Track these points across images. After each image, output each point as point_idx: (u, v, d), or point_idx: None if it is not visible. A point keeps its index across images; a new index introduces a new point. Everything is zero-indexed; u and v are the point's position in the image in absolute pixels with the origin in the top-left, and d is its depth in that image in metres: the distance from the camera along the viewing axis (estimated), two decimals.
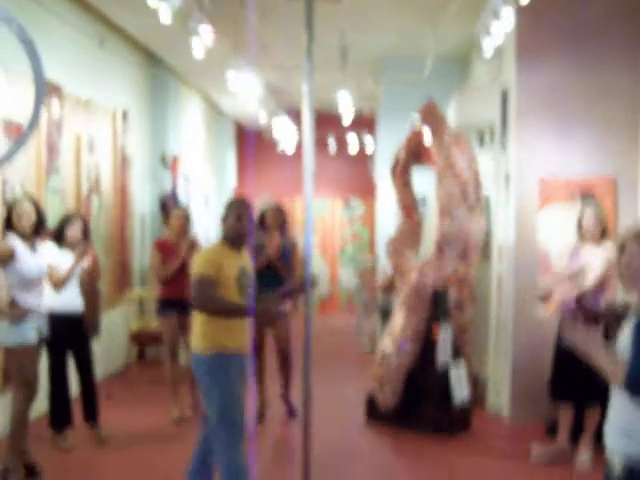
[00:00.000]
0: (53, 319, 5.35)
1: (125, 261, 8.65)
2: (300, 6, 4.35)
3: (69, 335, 5.67)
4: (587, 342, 2.90)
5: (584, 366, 5.21)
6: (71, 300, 5.69)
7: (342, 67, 8.94)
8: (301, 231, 6.83)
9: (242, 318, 4.31)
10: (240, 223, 4.38)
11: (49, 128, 6.55)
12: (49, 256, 5.45)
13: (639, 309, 2.83)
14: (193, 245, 6.53)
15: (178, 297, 6.43)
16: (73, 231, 5.68)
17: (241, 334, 4.34)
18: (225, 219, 4.44)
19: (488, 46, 6.16)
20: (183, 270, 6.29)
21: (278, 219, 6.64)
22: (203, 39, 6.45)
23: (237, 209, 4.43)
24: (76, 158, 7.21)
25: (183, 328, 6.39)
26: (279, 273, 6.40)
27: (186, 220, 6.64)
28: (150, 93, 9.71)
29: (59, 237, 5.65)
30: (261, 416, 6.57)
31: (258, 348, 6.49)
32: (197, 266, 4.29)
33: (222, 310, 4.26)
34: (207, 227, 12.26)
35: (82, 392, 5.92)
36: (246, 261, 4.50)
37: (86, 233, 5.81)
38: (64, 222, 5.73)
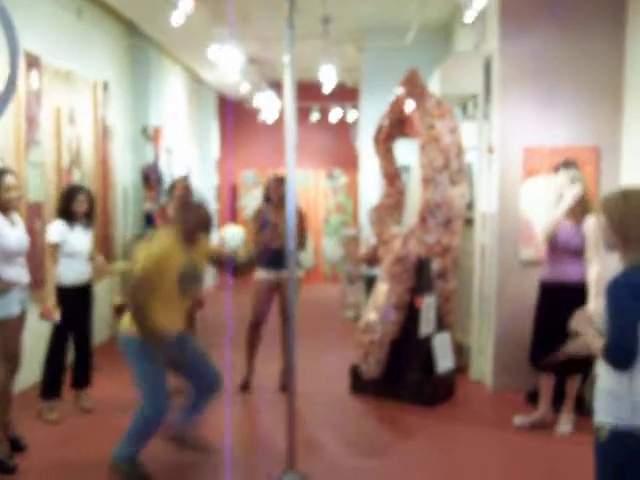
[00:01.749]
0: (62, 290, 5.58)
1: (108, 234, 8.61)
2: None
3: (76, 304, 5.74)
4: (577, 320, 2.96)
5: (564, 335, 5.31)
6: (80, 272, 5.76)
7: (324, 37, 8.88)
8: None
9: (146, 336, 4.42)
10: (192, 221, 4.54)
11: (28, 100, 6.46)
12: (59, 233, 5.56)
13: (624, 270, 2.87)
14: None
15: None
16: (81, 205, 5.71)
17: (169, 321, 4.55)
18: (184, 213, 4.57)
19: (471, 12, 6.12)
20: None
21: (280, 190, 6.61)
22: (183, 8, 6.37)
23: (196, 207, 4.62)
24: (56, 130, 7.14)
25: None
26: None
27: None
28: (131, 64, 9.61)
29: (66, 212, 5.66)
30: (247, 384, 6.59)
31: (260, 318, 6.54)
32: (143, 259, 4.40)
33: (138, 321, 4.39)
34: None
35: (77, 360, 5.98)
36: (200, 255, 4.60)
37: (92, 205, 5.83)
38: (69, 196, 5.72)
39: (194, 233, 4.59)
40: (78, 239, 5.72)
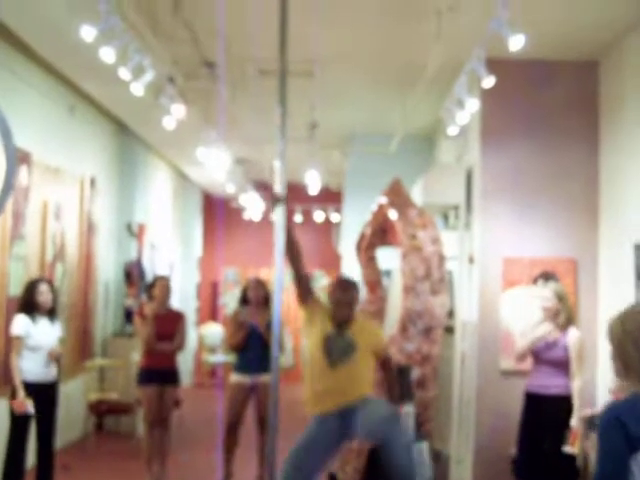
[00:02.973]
0: (25, 386, 5.47)
1: (87, 329, 8.56)
2: (271, 81, 4.44)
3: (39, 402, 5.59)
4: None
5: (550, 449, 5.30)
6: (44, 367, 5.68)
7: (310, 141, 9.09)
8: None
9: None
10: None
11: (16, 195, 6.52)
12: (23, 327, 5.50)
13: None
14: (181, 317, 6.73)
15: (161, 367, 6.45)
16: (44, 296, 5.68)
17: None
18: None
19: (452, 129, 6.32)
20: (167, 340, 6.38)
21: (260, 293, 6.68)
22: (175, 115, 6.53)
23: None
24: (42, 224, 7.19)
25: (164, 399, 6.42)
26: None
27: (168, 290, 6.69)
28: (118, 161, 9.76)
29: (29, 305, 5.64)
30: None
31: (235, 422, 6.48)
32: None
33: None
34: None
35: (39, 461, 5.81)
36: None
37: (55, 296, 5.82)
38: (30, 288, 5.72)
39: None
40: (42, 333, 5.67)
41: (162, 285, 6.71)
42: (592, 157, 6.53)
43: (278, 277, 4.57)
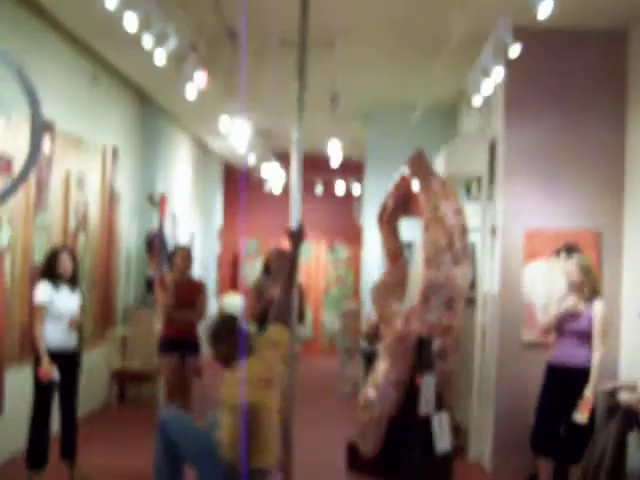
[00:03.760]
0: (48, 354, 5.50)
1: (109, 299, 8.62)
2: (292, 51, 4.42)
3: (61, 370, 5.62)
4: None
5: (568, 423, 5.30)
6: (66, 335, 5.71)
7: (332, 112, 9.03)
8: None
9: None
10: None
11: (39, 164, 6.55)
12: (46, 295, 5.55)
13: None
14: (202, 287, 6.75)
15: (181, 337, 6.48)
16: (65, 264, 5.72)
17: None
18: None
19: (477, 99, 6.26)
20: (188, 309, 6.38)
21: (281, 264, 6.67)
22: (197, 83, 6.51)
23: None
24: (65, 194, 7.22)
25: (184, 368, 6.45)
26: None
27: (189, 259, 6.71)
28: (140, 131, 9.77)
29: (51, 273, 5.68)
30: None
31: None
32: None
33: None
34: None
35: (63, 429, 5.86)
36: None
37: (75, 264, 5.85)
38: (52, 257, 5.75)
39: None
40: (64, 301, 5.71)
41: (183, 255, 6.73)
42: (618, 129, 6.45)
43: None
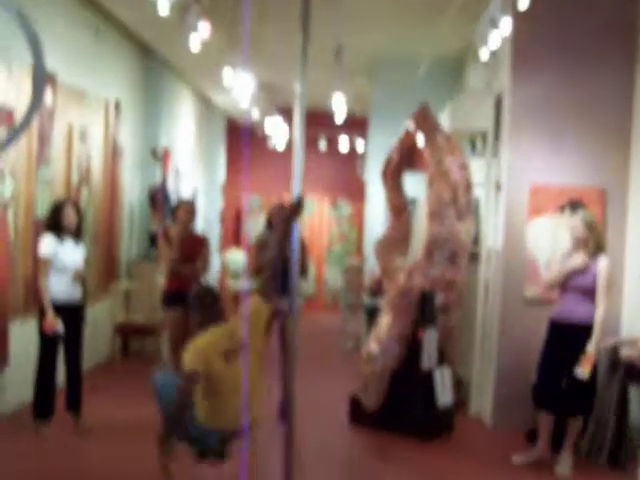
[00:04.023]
0: (53, 307, 5.55)
1: (112, 252, 8.62)
2: (296, 4, 4.35)
3: (66, 323, 5.65)
4: None
5: (570, 377, 5.33)
6: (71, 288, 5.75)
7: (336, 67, 8.94)
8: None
9: None
10: None
11: (41, 117, 6.51)
12: (50, 247, 5.59)
13: None
14: (204, 241, 6.74)
15: (185, 290, 6.49)
16: (70, 218, 5.72)
17: None
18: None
19: (484, 52, 6.19)
20: (190, 263, 6.46)
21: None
22: (200, 34, 6.43)
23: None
24: (67, 148, 7.18)
25: (188, 322, 6.46)
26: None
27: (193, 213, 6.70)
28: (143, 85, 9.69)
29: (55, 226, 5.68)
30: None
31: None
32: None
33: None
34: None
35: (68, 381, 5.92)
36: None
37: (80, 217, 5.86)
38: (57, 210, 5.75)
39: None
40: (68, 254, 5.72)
41: (186, 208, 6.71)
42: (627, 86, 6.38)
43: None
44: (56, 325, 5.52)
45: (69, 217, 5.75)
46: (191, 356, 4.31)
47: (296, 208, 4.42)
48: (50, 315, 5.51)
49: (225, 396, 4.37)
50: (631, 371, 5.40)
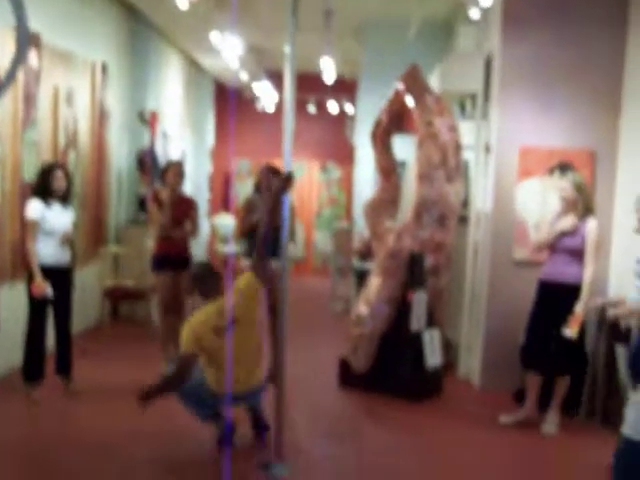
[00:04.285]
0: (41, 270, 5.54)
1: (101, 217, 8.59)
2: None
3: (54, 287, 5.64)
4: None
5: (558, 337, 5.37)
6: (59, 251, 5.72)
7: (325, 30, 8.85)
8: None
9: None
10: None
11: (27, 79, 6.43)
12: (38, 211, 5.54)
13: None
14: (193, 204, 6.71)
15: (175, 253, 6.48)
16: (59, 181, 5.69)
17: None
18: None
19: (475, 12, 6.13)
20: (180, 226, 6.44)
21: (271, 180, 6.60)
22: None
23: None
24: (53, 110, 7.10)
25: (178, 285, 6.46)
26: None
27: (181, 175, 6.65)
28: (130, 47, 9.57)
29: (44, 190, 5.64)
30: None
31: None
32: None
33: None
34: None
35: (57, 345, 5.92)
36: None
37: (69, 181, 5.82)
38: (46, 173, 5.70)
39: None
40: (56, 217, 5.69)
41: (175, 170, 6.65)
42: (618, 48, 6.34)
43: (287, 165, 4.52)
44: (45, 288, 5.51)
45: (58, 181, 5.70)
46: (185, 337, 4.66)
47: (286, 182, 4.44)
48: (38, 279, 5.49)
49: (225, 365, 4.61)
50: (615, 330, 5.44)
